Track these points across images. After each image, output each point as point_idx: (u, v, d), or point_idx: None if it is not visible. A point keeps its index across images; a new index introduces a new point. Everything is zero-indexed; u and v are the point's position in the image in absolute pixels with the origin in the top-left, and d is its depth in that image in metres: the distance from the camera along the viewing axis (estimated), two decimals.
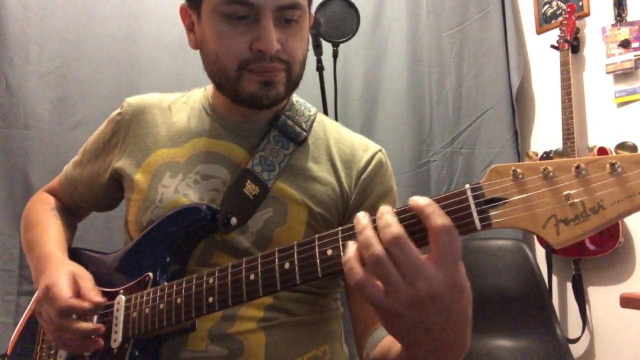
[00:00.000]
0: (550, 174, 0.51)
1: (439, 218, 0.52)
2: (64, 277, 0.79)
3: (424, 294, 0.51)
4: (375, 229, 0.54)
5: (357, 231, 0.56)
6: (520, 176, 0.53)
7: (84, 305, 0.76)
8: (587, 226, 0.49)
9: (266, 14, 0.78)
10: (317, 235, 0.63)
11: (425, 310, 0.52)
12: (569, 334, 2.09)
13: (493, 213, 0.53)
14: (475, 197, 0.54)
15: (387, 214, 0.55)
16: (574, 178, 0.50)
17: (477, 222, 0.54)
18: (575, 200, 0.50)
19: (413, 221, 0.56)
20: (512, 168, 0.53)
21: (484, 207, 0.54)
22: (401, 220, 0.55)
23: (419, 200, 0.54)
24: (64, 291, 0.77)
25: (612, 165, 0.48)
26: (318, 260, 0.62)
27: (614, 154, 0.49)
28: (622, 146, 0.49)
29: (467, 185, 0.55)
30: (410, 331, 0.55)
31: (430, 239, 0.53)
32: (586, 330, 2.02)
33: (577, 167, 0.50)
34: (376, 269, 0.53)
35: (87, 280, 0.81)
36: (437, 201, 0.56)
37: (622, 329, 1.93)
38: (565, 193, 0.50)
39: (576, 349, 2.01)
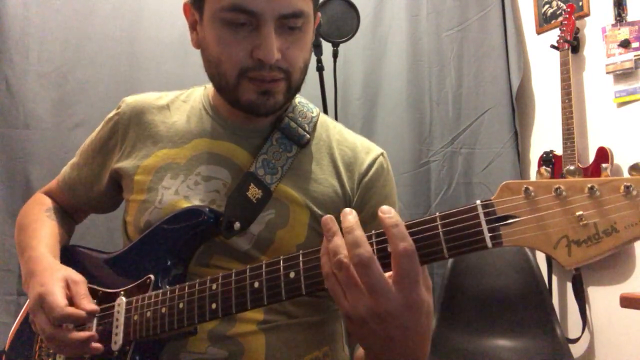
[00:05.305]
0: (563, 193, 0.50)
1: (400, 242, 0.55)
2: (57, 284, 0.79)
3: (382, 309, 0.55)
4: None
5: (326, 237, 0.60)
6: (532, 194, 0.52)
7: (80, 314, 0.76)
8: (599, 248, 0.48)
9: (267, 22, 0.76)
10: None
11: (384, 323, 0.56)
12: (569, 334, 2.09)
13: (504, 231, 0.53)
14: (486, 214, 0.54)
15: (357, 230, 0.58)
16: (587, 199, 0.49)
17: (487, 239, 0.54)
18: (588, 222, 0.49)
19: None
20: (525, 186, 0.52)
21: (495, 224, 0.54)
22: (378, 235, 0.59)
23: (387, 218, 0.57)
24: (59, 300, 0.76)
25: (627, 187, 0.47)
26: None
27: (628, 175, 0.48)
28: (636, 168, 0.48)
29: (478, 202, 0.55)
30: (373, 339, 0.58)
31: (392, 262, 0.56)
32: (586, 330, 2.03)
33: (591, 187, 0.49)
34: (338, 271, 0.57)
35: (80, 285, 0.81)
36: (447, 216, 0.56)
37: (622, 329, 1.93)
38: (577, 214, 0.49)
39: (576, 349, 2.01)
